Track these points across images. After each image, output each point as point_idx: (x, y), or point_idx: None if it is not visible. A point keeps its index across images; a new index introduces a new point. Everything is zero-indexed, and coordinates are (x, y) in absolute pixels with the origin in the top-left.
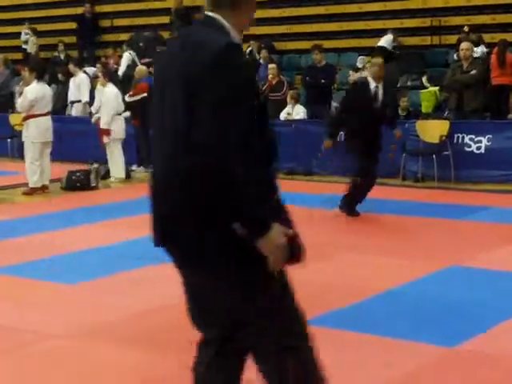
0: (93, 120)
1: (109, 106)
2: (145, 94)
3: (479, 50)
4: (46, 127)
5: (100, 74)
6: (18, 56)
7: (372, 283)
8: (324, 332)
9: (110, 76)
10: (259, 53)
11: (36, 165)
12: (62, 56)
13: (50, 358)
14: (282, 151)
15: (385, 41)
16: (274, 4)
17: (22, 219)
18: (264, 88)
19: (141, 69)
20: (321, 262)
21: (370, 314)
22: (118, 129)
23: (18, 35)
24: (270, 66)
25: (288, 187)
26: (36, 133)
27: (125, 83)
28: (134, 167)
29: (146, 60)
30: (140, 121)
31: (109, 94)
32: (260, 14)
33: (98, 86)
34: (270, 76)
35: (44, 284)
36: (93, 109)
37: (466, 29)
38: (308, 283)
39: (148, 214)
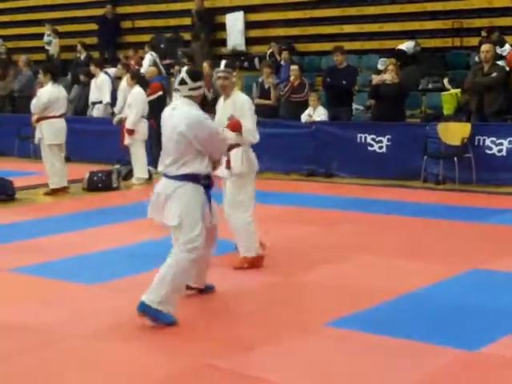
0: (115, 121)
1: (136, 106)
2: (160, 93)
3: (506, 48)
4: (60, 129)
5: (128, 75)
6: (41, 57)
7: (392, 286)
8: (345, 334)
9: (138, 77)
10: (280, 54)
11: (56, 166)
12: (82, 57)
13: (71, 358)
14: (302, 153)
15: (405, 45)
16: (295, 6)
17: (43, 219)
18: (286, 90)
19: (152, 69)
20: (340, 264)
21: (392, 316)
22: (142, 130)
23: (40, 36)
24: (292, 67)
25: (308, 189)
26: (50, 135)
27: (146, 84)
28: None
29: (168, 61)
30: (155, 120)
31: (137, 95)
32: (280, 16)
33: (122, 87)
34: (291, 77)
35: (65, 284)
36: (115, 109)
37: (484, 33)
38: (328, 285)
39: None
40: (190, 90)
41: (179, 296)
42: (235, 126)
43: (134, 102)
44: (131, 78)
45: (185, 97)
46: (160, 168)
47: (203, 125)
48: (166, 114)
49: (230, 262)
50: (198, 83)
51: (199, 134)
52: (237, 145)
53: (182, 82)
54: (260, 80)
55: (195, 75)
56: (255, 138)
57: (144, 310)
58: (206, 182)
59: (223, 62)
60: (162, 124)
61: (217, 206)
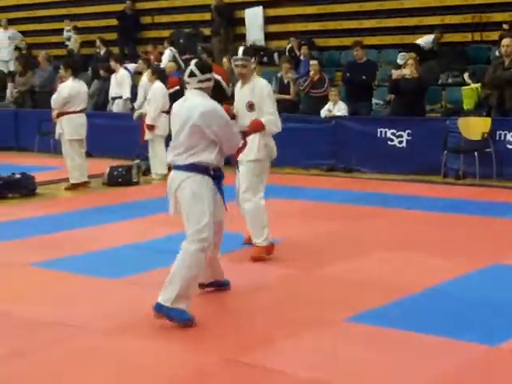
0: (135, 116)
1: (156, 102)
2: (177, 87)
3: None
4: (80, 124)
5: (149, 71)
6: (61, 52)
7: (412, 281)
8: (366, 329)
9: (159, 73)
10: (299, 49)
11: (76, 161)
12: (102, 52)
13: (90, 352)
14: (321, 148)
15: (423, 40)
16: (314, 1)
17: (64, 214)
18: (305, 84)
19: (171, 64)
20: (360, 259)
21: (412, 311)
22: (162, 125)
23: (60, 32)
24: (312, 62)
25: (327, 184)
26: (70, 130)
27: (167, 80)
28: None
29: (187, 56)
30: None
31: (157, 90)
32: (300, 10)
33: (143, 82)
34: (311, 73)
35: (85, 278)
36: (135, 105)
37: (505, 26)
38: (347, 280)
39: None
40: (199, 82)
41: (194, 290)
42: (256, 127)
43: (153, 97)
44: (152, 74)
45: (194, 89)
46: (169, 159)
47: (218, 114)
48: (177, 106)
49: (246, 256)
50: (207, 75)
51: (213, 123)
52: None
53: (191, 75)
54: (279, 75)
55: (204, 67)
56: (278, 127)
57: (159, 310)
58: (215, 174)
59: (241, 49)
60: (172, 116)
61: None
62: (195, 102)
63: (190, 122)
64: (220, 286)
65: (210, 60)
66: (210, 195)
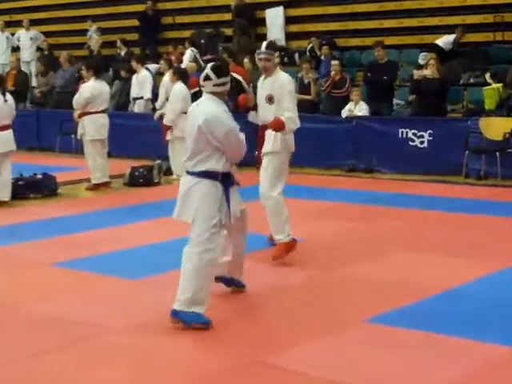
0: (155, 116)
1: (175, 103)
2: (197, 89)
3: None
4: (102, 124)
5: (170, 71)
6: (83, 53)
7: (434, 282)
8: (387, 330)
9: (180, 73)
10: (320, 49)
11: (98, 161)
12: (123, 53)
13: (111, 352)
14: (342, 148)
15: (442, 40)
16: (334, 1)
17: (85, 214)
18: (327, 85)
19: (191, 65)
20: (381, 260)
21: (433, 312)
22: (183, 127)
23: (82, 32)
24: (333, 62)
25: (348, 184)
26: (91, 130)
27: (188, 80)
28: None
29: (208, 57)
30: None
31: (177, 91)
32: (320, 10)
33: (164, 82)
34: (332, 73)
35: (106, 278)
36: (157, 105)
37: None
38: (368, 281)
39: None
40: (214, 85)
41: (208, 292)
42: (277, 126)
43: (173, 98)
44: (173, 74)
45: (209, 93)
46: (182, 162)
47: (221, 122)
48: (191, 109)
49: (268, 257)
50: (223, 79)
51: (216, 130)
52: None
53: (207, 78)
54: (299, 75)
55: (220, 71)
56: (296, 123)
57: (175, 315)
58: (224, 180)
59: (264, 44)
60: (187, 120)
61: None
62: (204, 107)
63: (196, 126)
64: (230, 283)
65: (231, 60)
66: (217, 200)
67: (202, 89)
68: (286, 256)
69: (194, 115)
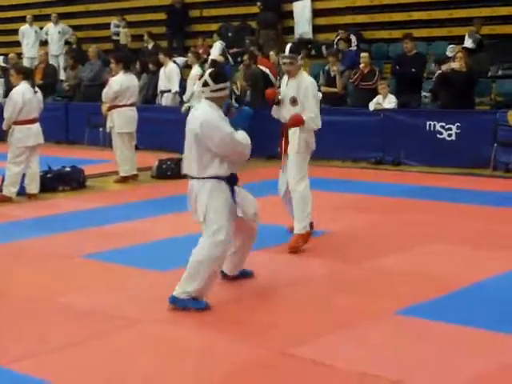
0: (183, 109)
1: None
2: None
3: None
4: (131, 118)
5: (207, 64)
6: (111, 46)
7: (462, 274)
8: (416, 322)
9: (210, 66)
10: (348, 42)
11: (126, 154)
12: (150, 46)
13: (139, 343)
14: (370, 141)
15: (467, 42)
16: None
17: (113, 207)
18: (355, 77)
19: (219, 58)
20: (409, 252)
21: (462, 305)
22: None
23: (109, 26)
24: (363, 54)
25: (376, 177)
26: (120, 123)
27: None
28: None
29: (235, 50)
30: None
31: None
32: (348, 3)
33: (192, 75)
34: (361, 65)
35: (134, 270)
36: (184, 98)
37: None
38: (396, 273)
39: None
40: (211, 91)
41: (212, 285)
42: (296, 122)
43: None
44: (209, 66)
45: (207, 98)
46: (185, 171)
47: (215, 127)
48: (190, 115)
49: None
50: (221, 85)
51: (211, 135)
52: None
53: (205, 84)
54: (326, 68)
55: (218, 77)
56: (317, 124)
57: (174, 302)
58: (230, 181)
59: (288, 47)
60: (186, 126)
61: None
62: (200, 113)
63: (193, 132)
64: (242, 275)
65: (259, 53)
66: (225, 197)
67: (202, 95)
68: (301, 247)
69: (192, 122)
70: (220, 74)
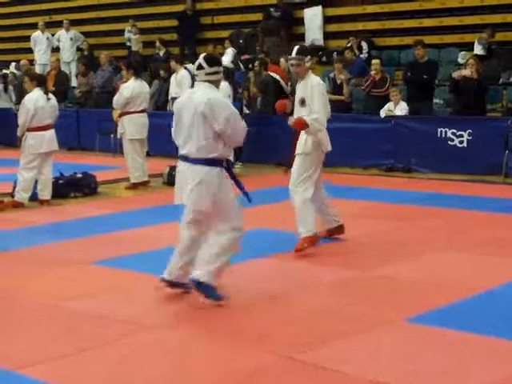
0: None
1: None
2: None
3: None
4: (141, 124)
5: None
6: (123, 53)
7: (473, 282)
8: (425, 330)
9: (226, 73)
10: (359, 49)
11: (137, 160)
12: (161, 53)
13: (148, 349)
14: (380, 148)
15: (477, 48)
16: (373, 0)
17: (124, 213)
18: (367, 84)
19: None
20: (417, 260)
21: (473, 313)
22: None
23: (122, 33)
24: (374, 61)
25: (387, 184)
26: (131, 129)
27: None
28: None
29: (246, 56)
30: None
31: (222, 88)
32: (359, 10)
33: None
34: (373, 72)
35: (145, 277)
36: None
37: None
38: (407, 280)
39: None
40: (206, 74)
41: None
42: (299, 126)
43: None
44: None
45: (202, 81)
46: (182, 152)
47: (223, 104)
48: (185, 99)
49: (303, 256)
50: (215, 68)
51: (219, 113)
52: None
53: (199, 67)
54: (331, 75)
55: (212, 60)
56: (322, 125)
57: (198, 286)
58: (227, 165)
59: (295, 49)
60: (180, 110)
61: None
62: (203, 93)
63: (198, 112)
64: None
65: (268, 60)
66: (230, 187)
67: (196, 78)
68: (307, 248)
69: (193, 102)
70: (214, 57)
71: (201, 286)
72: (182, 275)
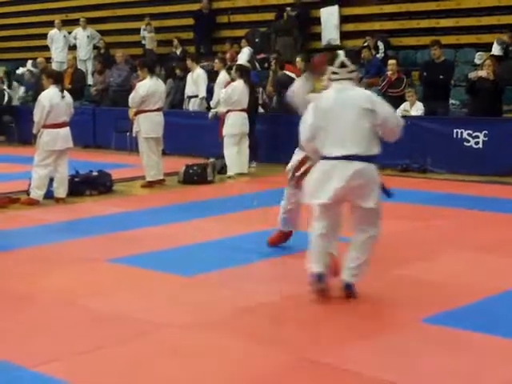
0: (210, 115)
1: (231, 97)
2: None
3: None
4: (157, 123)
5: (233, 69)
6: (139, 51)
7: (488, 283)
8: (441, 331)
9: (243, 71)
10: (375, 48)
11: (152, 159)
12: (178, 52)
13: (164, 347)
14: (396, 148)
15: (494, 49)
16: (390, 0)
17: (140, 211)
18: (383, 84)
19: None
20: (435, 260)
21: (489, 314)
22: (228, 124)
23: (138, 31)
24: (390, 61)
25: (402, 184)
26: (147, 128)
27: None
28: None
29: (262, 55)
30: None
31: (236, 87)
32: (376, 9)
33: (219, 81)
34: (389, 72)
35: (161, 275)
36: (211, 103)
37: None
38: (422, 281)
39: (262, 209)
40: (348, 72)
41: None
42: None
43: (230, 91)
44: (236, 71)
45: (344, 79)
46: (343, 152)
47: (380, 99)
48: (332, 99)
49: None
50: (355, 65)
51: (382, 108)
52: None
53: (342, 65)
54: None
55: (353, 58)
56: None
57: (350, 289)
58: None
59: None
60: (331, 110)
61: None
62: (358, 91)
63: (360, 110)
64: None
65: (281, 59)
66: None
67: (335, 76)
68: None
69: (351, 99)
70: (354, 55)
71: (352, 289)
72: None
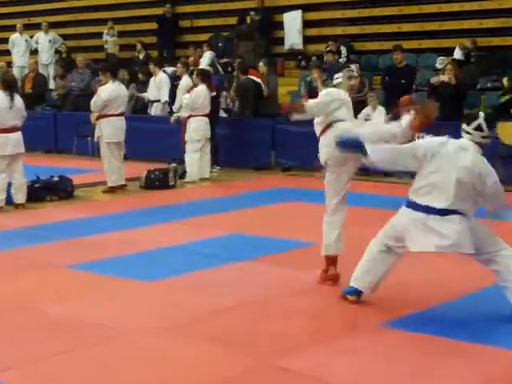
0: (172, 119)
1: (195, 102)
2: (214, 93)
3: None
4: (119, 127)
5: (194, 74)
6: (101, 56)
7: (456, 285)
8: (404, 335)
9: (204, 75)
10: (337, 53)
11: (114, 164)
12: (141, 56)
13: (128, 353)
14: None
15: (456, 53)
16: (353, 5)
17: (101, 217)
18: None
19: (208, 68)
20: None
21: (451, 317)
22: (190, 129)
23: (100, 35)
24: (353, 66)
25: (363, 189)
26: (108, 133)
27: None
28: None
29: (225, 60)
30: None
31: (199, 92)
32: (338, 14)
33: (181, 86)
34: None
35: (121, 281)
36: (174, 108)
37: None
38: (387, 284)
39: (225, 213)
40: (482, 137)
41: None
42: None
43: (194, 96)
44: (197, 75)
45: (475, 142)
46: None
47: (492, 171)
48: (451, 149)
49: (284, 261)
50: (489, 133)
51: (488, 178)
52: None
53: (478, 128)
54: (308, 79)
55: (489, 124)
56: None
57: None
58: None
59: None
60: (443, 158)
61: None
62: (472, 155)
63: (467, 171)
64: None
65: (244, 63)
66: None
67: (467, 136)
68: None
69: (461, 158)
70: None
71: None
72: None
